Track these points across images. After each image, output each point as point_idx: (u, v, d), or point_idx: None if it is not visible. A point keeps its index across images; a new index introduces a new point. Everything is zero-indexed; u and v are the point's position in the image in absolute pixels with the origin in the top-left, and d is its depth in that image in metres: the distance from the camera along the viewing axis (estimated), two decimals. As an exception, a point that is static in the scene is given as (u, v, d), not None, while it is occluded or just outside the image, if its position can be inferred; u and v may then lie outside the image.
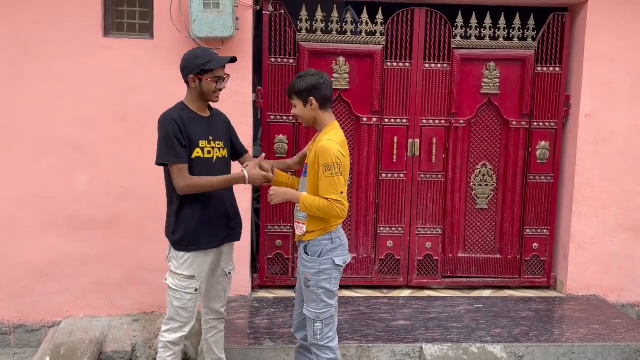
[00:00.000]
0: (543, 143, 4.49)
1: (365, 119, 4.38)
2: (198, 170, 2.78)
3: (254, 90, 4.21)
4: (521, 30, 4.41)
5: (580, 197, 4.42)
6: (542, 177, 4.54)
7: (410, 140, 4.42)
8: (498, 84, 4.43)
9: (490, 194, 4.57)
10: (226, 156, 2.97)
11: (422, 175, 4.48)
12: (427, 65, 4.37)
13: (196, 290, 2.86)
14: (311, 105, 2.79)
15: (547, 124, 4.49)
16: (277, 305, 4.17)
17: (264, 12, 4.19)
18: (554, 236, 4.61)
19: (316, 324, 2.81)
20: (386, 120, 4.39)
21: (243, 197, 4.04)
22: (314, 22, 4.26)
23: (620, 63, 4.33)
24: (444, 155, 4.48)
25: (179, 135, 2.72)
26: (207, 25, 3.77)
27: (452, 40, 4.36)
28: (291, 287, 4.41)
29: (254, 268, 4.51)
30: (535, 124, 4.48)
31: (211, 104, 2.94)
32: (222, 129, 2.99)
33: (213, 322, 3.13)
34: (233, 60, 2.88)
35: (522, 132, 4.49)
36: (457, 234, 4.56)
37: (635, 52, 4.33)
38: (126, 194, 3.97)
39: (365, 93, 4.35)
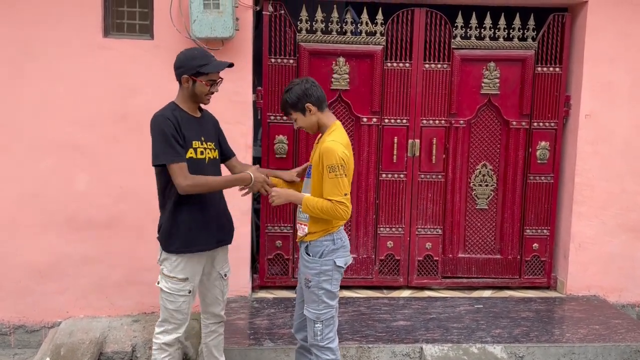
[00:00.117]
0: (543, 143, 4.49)
1: (365, 119, 4.38)
2: (191, 171, 2.73)
3: (254, 91, 4.21)
4: (521, 31, 4.41)
5: (580, 198, 4.42)
6: (542, 178, 4.54)
7: (410, 141, 4.42)
8: (498, 84, 4.43)
9: (491, 194, 4.57)
10: (217, 157, 2.95)
11: (422, 176, 4.48)
12: (427, 66, 4.37)
13: (190, 292, 2.84)
14: (310, 111, 2.80)
15: (547, 124, 4.49)
16: (277, 305, 4.16)
17: (263, 12, 4.19)
18: (554, 236, 4.61)
19: (316, 325, 2.81)
20: (386, 120, 4.39)
21: (243, 197, 4.04)
22: (314, 23, 4.26)
23: (620, 63, 4.33)
24: (444, 156, 4.48)
25: (176, 134, 2.70)
26: (207, 26, 3.77)
27: (452, 40, 4.36)
28: (291, 287, 4.42)
29: (254, 268, 4.51)
30: (535, 124, 4.48)
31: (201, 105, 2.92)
32: (212, 130, 2.97)
33: (213, 326, 3.10)
34: (230, 65, 2.86)
35: (522, 133, 4.49)
36: (457, 234, 4.56)
37: (635, 52, 4.33)
38: (126, 194, 3.97)
39: (365, 93, 4.35)
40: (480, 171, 4.53)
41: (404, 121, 4.40)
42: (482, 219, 4.59)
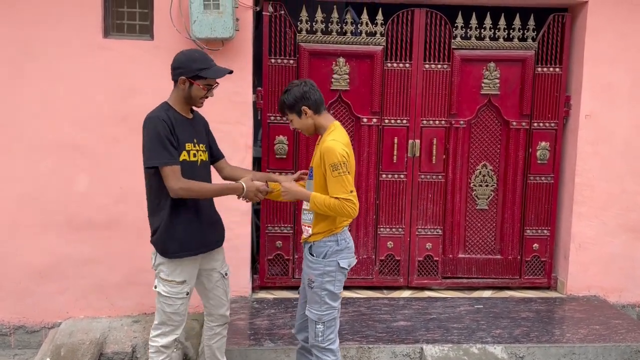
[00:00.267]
0: (543, 143, 4.49)
1: (365, 120, 4.37)
2: (184, 174, 2.70)
3: (254, 91, 4.21)
4: (521, 31, 4.41)
5: (580, 198, 4.42)
6: (543, 178, 4.54)
7: (410, 141, 4.42)
8: (498, 85, 4.43)
9: (491, 194, 4.57)
10: (207, 160, 2.92)
11: (423, 176, 4.48)
12: (427, 66, 4.37)
13: (187, 294, 2.82)
14: (306, 114, 2.80)
15: (547, 124, 4.49)
16: (278, 306, 4.16)
17: (263, 13, 4.18)
18: (554, 237, 4.61)
19: (317, 326, 2.80)
20: (386, 120, 4.39)
21: (243, 197, 4.05)
22: (314, 23, 4.26)
23: (620, 63, 4.33)
24: (444, 156, 4.47)
25: (170, 136, 2.66)
26: (207, 26, 3.76)
27: (452, 40, 4.36)
28: (291, 288, 4.43)
29: (254, 269, 4.50)
30: (535, 124, 4.48)
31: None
32: (203, 131, 2.94)
33: (217, 328, 3.07)
34: (230, 72, 2.83)
35: (522, 133, 4.49)
36: (457, 234, 4.56)
37: (635, 53, 4.33)
38: (126, 195, 3.96)
39: (365, 94, 4.35)
40: (480, 171, 4.53)
41: (404, 121, 4.40)
42: (483, 219, 4.59)
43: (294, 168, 4.28)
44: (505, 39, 4.41)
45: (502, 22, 4.39)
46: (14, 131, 3.90)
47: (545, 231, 4.58)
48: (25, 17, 3.83)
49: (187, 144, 2.76)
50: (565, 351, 3.61)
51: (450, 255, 4.59)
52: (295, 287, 4.41)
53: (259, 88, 4.27)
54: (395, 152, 4.39)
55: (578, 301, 4.40)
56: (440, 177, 4.49)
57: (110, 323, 3.99)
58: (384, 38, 4.31)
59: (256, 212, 4.63)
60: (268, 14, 4.19)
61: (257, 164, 4.48)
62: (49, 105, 3.90)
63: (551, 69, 4.44)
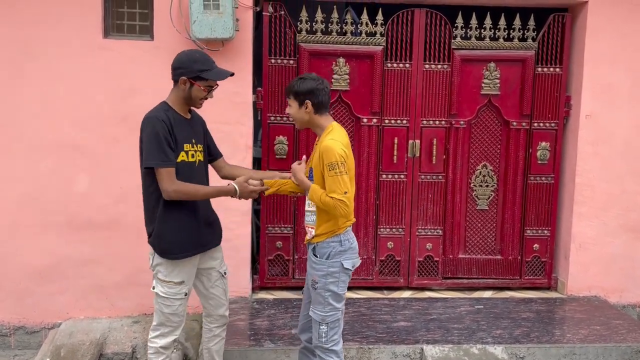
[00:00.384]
0: (543, 144, 4.49)
1: (365, 120, 4.37)
2: (183, 175, 2.70)
3: (254, 91, 4.21)
4: (521, 31, 4.41)
5: (580, 198, 4.42)
6: (543, 178, 4.54)
7: (410, 141, 4.42)
8: (498, 85, 4.42)
9: (491, 194, 4.57)
10: (204, 160, 2.92)
11: (423, 176, 4.47)
12: (427, 66, 4.37)
13: (185, 294, 2.81)
14: (306, 108, 2.79)
15: (547, 124, 4.48)
16: (278, 306, 4.16)
17: (263, 13, 4.18)
18: (554, 237, 4.61)
19: (321, 327, 2.80)
20: (386, 121, 4.39)
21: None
22: (314, 23, 4.26)
23: (620, 64, 4.33)
24: (444, 156, 4.47)
25: (169, 137, 2.66)
26: (207, 27, 3.76)
27: (452, 41, 4.36)
28: (292, 288, 4.43)
29: (254, 269, 4.50)
30: (535, 124, 4.48)
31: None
32: (201, 131, 2.93)
33: (216, 329, 3.06)
34: (232, 75, 2.84)
35: (522, 133, 4.49)
36: (457, 234, 4.56)
37: (635, 53, 4.33)
38: (126, 195, 3.96)
39: (365, 94, 4.35)
40: (480, 172, 4.53)
41: (404, 122, 4.40)
42: (483, 219, 4.59)
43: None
44: (505, 39, 4.41)
45: (502, 22, 4.39)
46: (14, 131, 3.90)
47: (545, 231, 4.58)
48: (25, 17, 3.84)
49: (185, 145, 2.76)
50: (566, 351, 3.61)
51: (451, 256, 4.58)
52: (295, 288, 4.42)
53: (259, 88, 4.27)
54: (395, 153, 4.38)
55: (578, 301, 4.40)
56: (440, 177, 4.49)
57: (110, 323, 3.99)
58: (384, 38, 4.31)
59: (256, 213, 4.62)
60: (268, 14, 4.19)
61: (257, 164, 4.48)
62: (49, 105, 3.90)
63: (551, 69, 4.44)
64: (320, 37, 4.27)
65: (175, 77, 2.76)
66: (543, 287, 4.63)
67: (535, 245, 4.59)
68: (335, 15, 4.27)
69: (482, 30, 4.39)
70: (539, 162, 4.50)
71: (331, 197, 2.67)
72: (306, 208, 2.89)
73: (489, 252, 4.61)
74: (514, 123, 4.47)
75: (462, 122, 4.45)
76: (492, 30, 4.40)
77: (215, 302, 3.01)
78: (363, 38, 4.30)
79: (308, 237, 2.88)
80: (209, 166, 3.03)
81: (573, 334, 3.81)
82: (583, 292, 4.50)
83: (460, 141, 4.47)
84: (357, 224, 4.46)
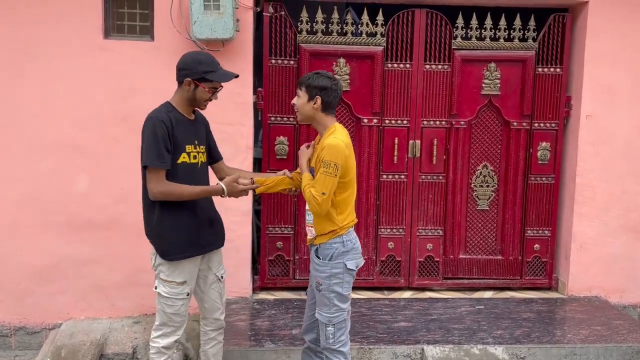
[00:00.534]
0: (544, 144, 4.49)
1: (365, 120, 4.37)
2: (183, 176, 2.70)
3: (255, 92, 4.21)
4: (522, 31, 4.41)
5: (581, 198, 4.41)
6: (543, 178, 4.53)
7: (411, 142, 4.42)
8: (499, 85, 4.42)
9: (491, 195, 4.56)
10: (206, 161, 2.91)
11: (423, 177, 4.47)
12: (427, 66, 4.37)
13: (188, 294, 2.81)
14: (315, 103, 2.77)
15: (547, 124, 4.48)
16: (278, 306, 4.16)
17: (264, 13, 4.18)
18: (555, 237, 4.61)
19: (328, 328, 2.79)
20: (387, 121, 4.39)
21: (244, 198, 4.03)
22: (314, 24, 4.26)
23: (620, 64, 4.33)
24: (444, 157, 4.47)
25: (167, 138, 2.65)
26: (208, 27, 3.76)
27: (453, 41, 4.36)
28: (292, 288, 4.43)
29: (255, 270, 4.50)
30: (536, 124, 4.48)
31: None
32: (204, 132, 2.93)
33: (212, 333, 3.04)
34: (236, 76, 2.84)
35: (522, 133, 4.49)
36: (458, 235, 4.56)
37: (635, 53, 4.33)
38: (126, 195, 3.96)
39: (365, 94, 4.35)
40: (481, 172, 4.53)
41: (405, 122, 4.40)
42: (483, 219, 4.59)
43: (295, 168, 4.26)
44: (505, 40, 4.41)
45: (502, 23, 4.39)
46: (14, 131, 3.90)
47: (546, 232, 4.58)
48: (25, 17, 3.83)
49: (187, 146, 2.75)
50: (567, 352, 3.61)
51: (451, 256, 4.58)
52: (295, 288, 4.42)
53: (260, 89, 4.27)
54: (395, 153, 4.38)
55: (579, 302, 4.40)
56: (440, 177, 4.49)
57: (110, 324, 3.99)
58: (385, 38, 4.31)
59: (257, 213, 4.62)
60: (268, 14, 4.19)
61: (258, 164, 4.48)
62: (49, 105, 3.90)
63: (552, 70, 4.44)
64: (321, 37, 4.27)
65: (180, 78, 2.75)
66: (544, 287, 4.63)
67: (536, 246, 4.59)
68: (335, 15, 4.27)
69: (483, 30, 4.39)
70: (540, 162, 4.50)
71: (310, 190, 2.69)
72: (307, 207, 2.88)
73: (490, 253, 4.61)
74: (515, 123, 4.47)
75: (462, 123, 4.45)
76: (493, 31, 4.40)
77: (210, 305, 3.00)
78: (363, 38, 4.30)
79: (310, 236, 2.88)
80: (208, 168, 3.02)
81: (574, 334, 3.81)
82: (584, 292, 4.50)
83: (460, 141, 4.47)
84: (358, 224, 4.45)
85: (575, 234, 4.45)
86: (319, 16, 4.25)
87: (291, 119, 4.28)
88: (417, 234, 4.51)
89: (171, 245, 2.74)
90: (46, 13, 3.84)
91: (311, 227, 2.84)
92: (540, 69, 4.43)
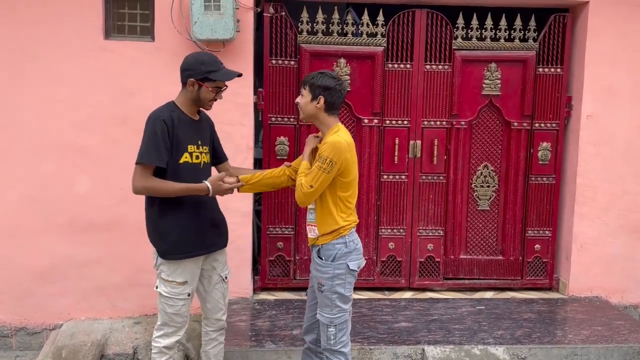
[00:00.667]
0: (544, 144, 4.48)
1: (366, 121, 4.37)
2: (186, 176, 2.69)
3: (255, 92, 4.21)
4: (522, 31, 4.41)
5: (582, 199, 4.41)
6: (544, 178, 4.53)
7: (411, 142, 4.42)
8: (499, 85, 4.42)
9: (492, 195, 4.56)
10: (209, 162, 2.91)
11: (424, 177, 4.47)
12: (428, 67, 4.37)
13: (189, 295, 2.81)
14: (318, 103, 2.76)
15: (548, 125, 4.48)
16: (279, 307, 4.16)
17: (264, 14, 4.18)
18: (555, 237, 4.60)
19: (329, 329, 2.78)
20: (387, 121, 4.39)
21: (244, 198, 4.04)
22: (314, 24, 4.26)
23: (621, 64, 4.33)
24: (445, 157, 4.47)
25: (166, 137, 2.64)
26: (208, 28, 3.76)
27: (453, 41, 4.35)
28: (293, 289, 4.43)
29: (255, 270, 4.50)
30: (536, 125, 4.47)
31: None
32: (208, 133, 2.93)
33: (213, 333, 3.04)
34: (239, 75, 2.83)
35: (523, 133, 4.48)
36: (458, 235, 4.56)
37: (636, 53, 4.33)
38: (127, 196, 3.92)
39: (366, 94, 4.35)
40: (481, 172, 4.53)
41: (405, 122, 4.40)
42: (484, 220, 4.58)
43: (295, 169, 4.28)
44: (506, 40, 4.40)
45: (503, 23, 4.38)
46: (15, 132, 3.90)
47: (546, 232, 4.57)
48: (25, 17, 3.84)
49: (189, 146, 2.75)
50: (567, 352, 3.60)
51: (452, 256, 4.58)
52: (296, 289, 4.42)
53: (260, 89, 4.27)
54: (396, 153, 4.38)
55: (580, 302, 4.40)
56: (441, 177, 4.49)
57: (111, 324, 3.99)
58: (385, 39, 4.31)
59: (257, 213, 4.62)
60: (269, 15, 4.19)
61: (258, 164, 4.48)
62: (50, 106, 3.90)
63: (552, 70, 4.44)
64: (321, 37, 4.27)
65: (184, 79, 2.76)
66: (544, 287, 4.63)
67: (537, 246, 4.58)
68: (336, 16, 4.27)
69: (483, 30, 4.39)
70: (540, 162, 4.50)
71: (301, 178, 2.71)
72: (309, 206, 2.88)
73: (490, 253, 4.61)
74: (515, 123, 4.47)
75: (463, 123, 4.44)
76: (493, 31, 4.40)
77: (213, 306, 3.00)
78: (364, 39, 4.30)
79: (311, 236, 2.86)
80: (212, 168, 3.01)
81: (574, 334, 3.80)
82: (584, 292, 4.49)
83: (461, 142, 4.47)
84: (358, 225, 4.43)
85: (576, 234, 4.44)
86: (320, 16, 4.25)
87: (292, 119, 4.28)
88: (418, 234, 4.51)
89: (171, 245, 2.74)
90: (46, 13, 3.85)
91: (312, 226, 2.83)
92: (540, 69, 4.42)
